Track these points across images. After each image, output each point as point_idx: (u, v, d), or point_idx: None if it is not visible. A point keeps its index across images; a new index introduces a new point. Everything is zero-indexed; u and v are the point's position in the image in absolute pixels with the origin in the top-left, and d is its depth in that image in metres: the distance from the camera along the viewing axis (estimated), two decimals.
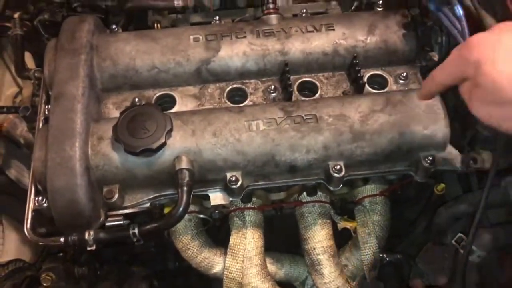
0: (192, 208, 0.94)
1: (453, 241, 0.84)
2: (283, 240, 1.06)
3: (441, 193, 0.86)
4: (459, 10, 0.79)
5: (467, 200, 0.87)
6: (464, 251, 0.79)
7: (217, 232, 1.02)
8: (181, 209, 0.75)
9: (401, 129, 0.80)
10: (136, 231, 0.76)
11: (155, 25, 1.00)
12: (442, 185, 0.86)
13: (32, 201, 0.79)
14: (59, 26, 0.97)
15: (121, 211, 0.78)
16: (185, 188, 0.75)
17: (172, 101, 0.88)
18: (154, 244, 1.05)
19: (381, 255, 0.96)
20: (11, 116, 1.03)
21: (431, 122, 0.80)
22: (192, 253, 0.94)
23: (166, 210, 0.89)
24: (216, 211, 0.98)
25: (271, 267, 1.00)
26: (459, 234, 0.84)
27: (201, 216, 0.96)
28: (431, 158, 0.80)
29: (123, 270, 0.99)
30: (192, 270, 0.99)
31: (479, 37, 0.56)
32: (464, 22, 0.79)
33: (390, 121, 0.80)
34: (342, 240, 0.99)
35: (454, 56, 0.60)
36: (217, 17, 0.95)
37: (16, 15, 1.15)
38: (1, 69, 1.27)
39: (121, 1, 0.99)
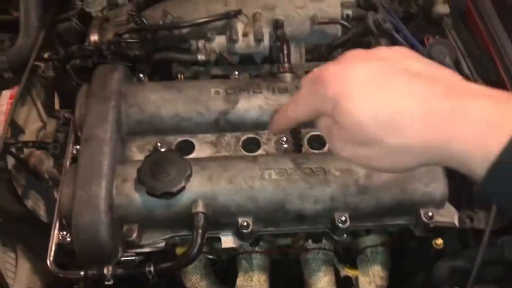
0: None
1: None
2: (287, 284, 1.10)
3: (440, 247, 0.91)
4: None
5: (464, 256, 0.92)
6: None
7: (224, 273, 1.06)
8: (195, 250, 0.80)
9: (402, 185, 0.86)
10: (151, 269, 0.81)
11: (179, 75, 1.08)
12: (441, 240, 0.91)
13: (56, 235, 0.85)
14: (89, 71, 1.05)
15: (138, 250, 0.84)
16: (200, 231, 0.81)
17: (191, 147, 0.95)
18: (165, 282, 1.09)
19: None
20: (38, 152, 1.09)
21: (431, 180, 0.86)
22: None
23: (178, 250, 0.94)
24: (224, 253, 1.03)
25: None
26: None
27: (210, 256, 1.01)
28: (430, 214, 0.86)
29: None
30: None
31: (330, 70, 0.51)
32: None
33: (393, 178, 0.86)
34: (344, 287, 1.03)
35: (308, 91, 0.54)
36: (236, 72, 1.03)
37: (45, 55, 1.24)
38: (28, 106, 1.35)
39: (149, 52, 1.07)
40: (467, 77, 0.89)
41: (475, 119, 0.43)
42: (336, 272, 1.01)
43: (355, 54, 0.52)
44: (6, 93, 1.24)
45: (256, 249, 1.00)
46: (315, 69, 0.54)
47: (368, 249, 1.01)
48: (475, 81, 0.88)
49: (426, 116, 0.45)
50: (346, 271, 1.00)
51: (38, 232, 1.24)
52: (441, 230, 0.89)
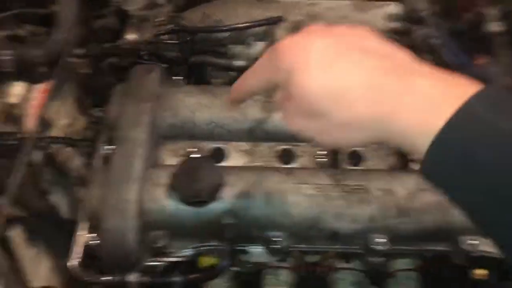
0: None
1: None
2: None
3: (482, 278, 0.86)
4: None
5: None
6: None
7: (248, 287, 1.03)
8: (224, 263, 0.77)
9: (446, 210, 0.82)
10: (177, 279, 0.78)
11: (215, 80, 1.06)
12: (483, 271, 0.86)
13: (80, 237, 0.82)
14: (124, 70, 1.03)
15: (165, 259, 0.81)
16: (230, 243, 0.77)
17: (224, 155, 0.92)
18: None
19: None
20: (68, 149, 1.08)
21: None
22: None
23: (201, 260, 0.91)
24: (250, 266, 1.00)
25: None
26: None
27: (235, 269, 0.98)
28: (473, 242, 0.81)
29: None
30: None
31: (291, 41, 0.51)
32: None
33: (435, 201, 0.82)
34: None
35: (264, 60, 0.54)
36: None
37: (80, 52, 1.23)
38: (58, 101, 1.34)
39: (185, 54, 1.05)
40: None
41: (419, 96, 0.44)
42: None
43: (315, 28, 0.52)
44: (39, 87, 1.23)
45: (283, 264, 0.96)
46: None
47: (400, 273, 0.97)
48: None
49: (371, 90, 0.46)
50: None
51: (59, 230, 1.23)
52: (484, 260, 0.84)
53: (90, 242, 0.81)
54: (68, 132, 1.35)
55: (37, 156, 1.22)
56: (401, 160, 0.91)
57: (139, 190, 0.79)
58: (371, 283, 0.98)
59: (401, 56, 0.49)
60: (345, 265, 0.96)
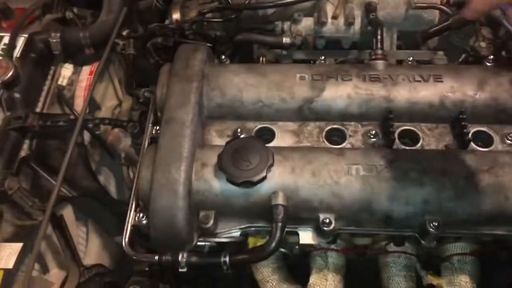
0: None
1: None
2: (360, 286, 1.04)
3: None
4: None
5: None
6: None
7: (294, 269, 1.02)
8: (273, 244, 0.76)
9: (507, 192, 0.77)
10: (227, 259, 0.78)
11: (261, 58, 1.03)
12: None
13: (132, 217, 0.83)
14: (169, 50, 1.02)
15: (214, 239, 0.80)
16: (279, 224, 0.76)
17: (271, 135, 0.90)
18: (232, 272, 1.06)
19: None
20: (116, 130, 1.09)
21: None
22: (271, 286, 0.94)
23: (250, 241, 0.90)
24: (297, 247, 0.98)
25: None
26: None
27: (283, 250, 0.97)
28: None
29: None
30: None
31: None
32: None
33: (496, 183, 0.77)
34: None
35: None
36: (323, 57, 0.97)
37: (124, 33, 1.23)
38: (105, 82, 1.36)
39: (230, 32, 1.03)
40: None
41: None
42: (418, 279, 0.93)
43: None
44: (87, 69, 1.25)
45: (333, 246, 0.94)
46: None
47: (455, 257, 0.93)
48: None
49: None
50: (430, 279, 0.92)
51: (109, 210, 1.26)
52: None
53: (140, 222, 0.81)
54: (115, 113, 1.37)
55: (86, 137, 1.25)
56: (459, 140, 0.86)
57: (187, 170, 0.79)
58: (423, 267, 0.95)
59: None
60: (397, 249, 0.93)
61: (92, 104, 1.31)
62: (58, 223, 1.06)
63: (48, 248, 1.13)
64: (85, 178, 1.23)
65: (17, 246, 0.97)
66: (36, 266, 1.13)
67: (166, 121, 0.84)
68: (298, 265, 1.01)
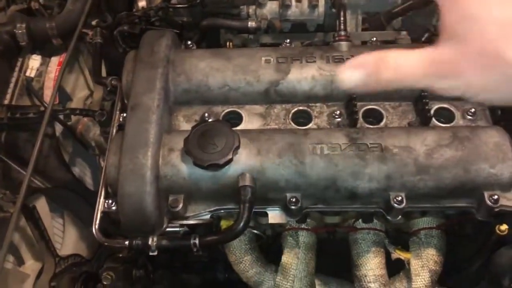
0: None
1: (508, 282, 0.82)
2: (332, 264, 1.06)
3: (504, 233, 0.84)
4: None
5: None
6: None
7: (268, 249, 1.04)
8: (241, 224, 0.77)
9: (466, 165, 0.79)
10: (196, 241, 0.79)
11: (227, 43, 1.04)
12: (505, 226, 0.84)
13: (101, 203, 0.84)
14: (136, 38, 1.02)
15: (184, 222, 0.82)
16: (246, 205, 0.77)
17: (239, 118, 0.91)
18: (206, 254, 1.08)
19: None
20: (85, 119, 1.09)
21: (498, 161, 0.79)
22: (244, 267, 0.96)
23: (223, 223, 0.92)
24: (270, 229, 1.00)
25: None
26: None
27: (255, 231, 0.98)
28: (495, 197, 0.79)
29: (175, 277, 1.02)
30: (240, 283, 1.01)
31: None
32: None
33: (456, 157, 0.80)
34: (393, 270, 0.98)
35: None
36: (288, 40, 0.98)
37: (93, 22, 1.23)
38: (75, 73, 1.35)
39: (196, 18, 1.03)
40: None
41: None
42: (387, 254, 0.96)
43: None
44: (55, 60, 1.24)
45: (303, 226, 0.96)
46: None
47: (422, 231, 0.95)
48: None
49: None
50: (398, 253, 0.95)
51: (84, 200, 1.26)
52: (506, 216, 0.82)
53: (110, 208, 0.82)
54: (87, 104, 1.36)
55: (59, 128, 1.24)
56: (421, 116, 0.89)
57: (155, 155, 0.80)
58: (393, 242, 0.97)
59: None
60: (365, 226, 0.95)
61: (63, 95, 1.30)
62: (31, 214, 1.06)
63: (22, 240, 1.14)
64: (58, 169, 1.23)
65: None
66: (11, 258, 1.13)
67: (132, 108, 0.84)
68: (271, 245, 1.04)
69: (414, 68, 0.48)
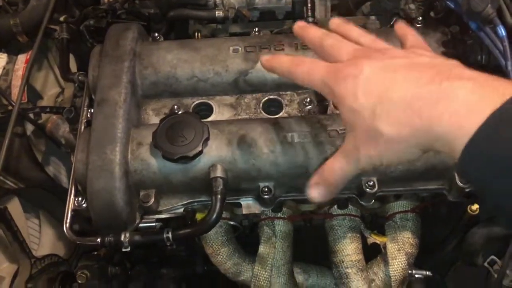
0: (223, 215, 0.95)
1: (485, 263, 0.83)
2: (311, 251, 1.07)
3: (475, 213, 0.85)
4: (502, 31, 0.79)
5: None
6: (498, 275, 0.78)
7: (245, 240, 1.03)
8: (214, 216, 0.76)
9: None
10: (170, 235, 0.78)
11: (196, 34, 1.03)
12: (476, 205, 0.85)
13: (71, 201, 0.82)
14: (103, 31, 1.00)
15: (156, 216, 0.81)
16: (218, 196, 0.77)
17: (209, 109, 0.90)
18: (184, 248, 1.07)
19: (409, 271, 0.95)
20: (54, 117, 1.07)
21: None
22: (221, 258, 0.96)
23: (198, 216, 0.91)
24: (246, 219, 1.00)
25: (298, 277, 1.01)
26: (492, 257, 0.83)
27: (232, 223, 0.98)
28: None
29: (153, 272, 1.01)
30: (219, 275, 1.01)
31: (345, 70, 0.55)
32: (506, 43, 0.78)
33: None
34: (371, 254, 0.99)
35: (319, 79, 0.58)
36: (256, 29, 0.97)
37: (61, 18, 1.20)
38: (45, 70, 1.32)
39: (163, 9, 1.02)
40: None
41: (456, 101, 0.46)
42: (363, 239, 0.97)
43: (367, 53, 0.58)
44: (22, 57, 1.21)
45: (279, 215, 0.96)
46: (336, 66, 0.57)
47: (397, 215, 0.96)
48: None
49: (412, 101, 0.49)
50: (374, 238, 0.96)
51: (60, 199, 1.24)
52: (477, 195, 0.83)
53: (80, 206, 0.81)
54: (58, 101, 1.34)
55: (30, 127, 1.22)
56: None
57: (123, 151, 0.78)
58: (369, 227, 0.98)
59: (446, 64, 0.52)
60: (341, 212, 0.95)
61: (33, 93, 1.27)
62: (3, 216, 1.04)
63: None
64: (31, 169, 1.21)
65: None
66: None
67: (98, 103, 0.82)
68: (248, 237, 1.04)
69: None
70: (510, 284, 0.82)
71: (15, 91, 1.19)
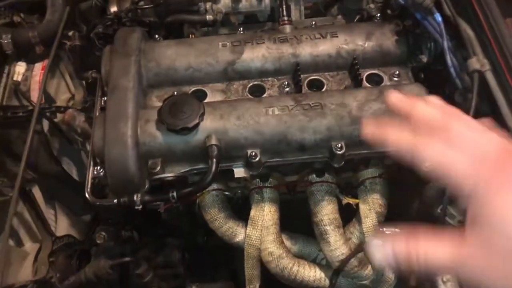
0: (218, 186, 1.12)
1: (438, 210, 1.00)
2: (299, 226, 1.22)
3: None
4: (438, 17, 0.98)
5: None
6: (441, 211, 0.94)
7: (239, 212, 1.19)
8: (211, 176, 0.93)
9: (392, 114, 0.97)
10: (174, 194, 0.94)
11: (190, 36, 1.21)
12: None
13: (91, 170, 0.98)
14: (111, 38, 1.18)
15: (161, 176, 0.96)
16: (214, 160, 0.93)
17: (204, 95, 1.07)
18: (187, 221, 1.22)
19: (380, 228, 1.11)
20: (70, 110, 1.23)
21: None
22: (218, 223, 1.11)
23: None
24: (240, 191, 1.16)
25: (286, 242, 1.16)
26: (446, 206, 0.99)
27: (226, 193, 1.14)
28: None
29: (159, 241, 1.16)
30: (217, 247, 1.16)
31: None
32: (442, 26, 0.97)
33: (382, 108, 0.97)
34: (346, 216, 1.15)
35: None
36: (241, 29, 1.15)
37: (70, 33, 1.38)
38: (57, 78, 1.50)
39: (161, 17, 1.20)
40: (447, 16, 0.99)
41: None
42: (339, 202, 1.13)
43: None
44: (39, 65, 1.38)
45: (267, 184, 1.12)
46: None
47: (367, 180, 1.12)
48: (454, 17, 0.98)
49: None
50: (347, 199, 1.12)
51: (73, 190, 1.40)
52: None
53: (98, 174, 0.97)
54: (70, 105, 1.51)
55: (46, 126, 1.38)
56: (355, 82, 1.06)
57: (133, 126, 0.95)
58: (342, 192, 1.14)
59: None
60: (319, 180, 1.11)
61: (47, 98, 1.44)
62: (28, 198, 1.19)
63: (21, 224, 1.27)
64: (48, 162, 1.37)
65: None
66: (11, 242, 1.26)
67: (111, 89, 0.99)
68: (241, 208, 1.19)
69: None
70: (458, 224, 0.98)
71: (33, 94, 1.36)
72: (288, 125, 0.96)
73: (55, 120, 1.34)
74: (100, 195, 1.00)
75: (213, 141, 0.95)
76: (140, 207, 0.94)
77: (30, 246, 1.25)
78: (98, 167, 0.97)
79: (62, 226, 1.42)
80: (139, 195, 0.94)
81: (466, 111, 0.87)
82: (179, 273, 1.14)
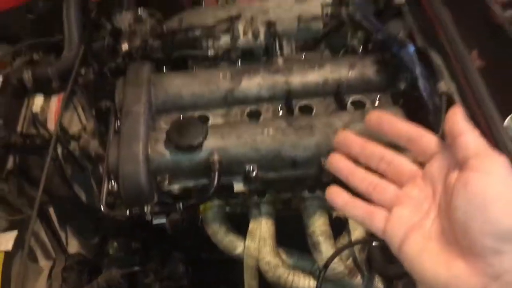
0: (220, 202, 1.23)
1: None
2: (294, 243, 1.32)
3: None
4: (411, 48, 1.12)
5: None
6: None
7: (238, 228, 1.30)
8: (213, 188, 1.04)
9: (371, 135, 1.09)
10: (180, 205, 1.06)
11: (194, 69, 1.35)
12: None
13: (106, 186, 1.10)
14: (122, 72, 1.32)
15: (169, 188, 1.08)
16: (216, 173, 1.05)
17: (206, 119, 1.20)
18: (191, 237, 1.33)
19: (368, 238, 1.21)
20: (85, 136, 1.36)
21: None
22: (220, 236, 1.21)
23: (202, 206, 1.18)
24: (239, 207, 1.27)
25: (282, 256, 1.26)
26: None
27: (227, 209, 1.25)
28: None
29: (165, 254, 1.26)
30: (218, 262, 1.26)
31: None
32: (415, 56, 1.11)
33: (363, 128, 1.09)
34: (337, 230, 1.25)
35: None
36: (239, 62, 1.30)
37: (82, 70, 1.53)
38: (71, 111, 1.63)
39: (168, 54, 1.35)
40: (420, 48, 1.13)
41: None
42: (330, 216, 1.24)
43: None
44: (54, 98, 1.52)
45: (263, 200, 1.23)
46: None
47: None
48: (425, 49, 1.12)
49: None
50: (337, 213, 1.23)
51: (83, 214, 1.50)
52: None
53: (113, 188, 1.08)
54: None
55: (59, 152, 1.51)
56: (341, 106, 1.20)
57: (145, 146, 1.07)
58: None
59: None
60: (311, 195, 1.23)
61: (62, 128, 1.57)
62: (46, 216, 1.30)
63: (37, 243, 1.36)
64: (61, 186, 1.48)
65: (13, 233, 1.21)
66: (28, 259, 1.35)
67: (125, 115, 1.12)
68: (240, 220, 1.30)
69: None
70: None
71: (50, 124, 1.49)
72: (282, 143, 1.09)
73: (69, 147, 1.47)
74: (112, 209, 1.11)
75: (215, 158, 1.07)
76: (150, 217, 1.05)
77: (44, 264, 1.34)
78: (112, 182, 1.09)
79: (72, 247, 1.51)
80: (149, 207, 1.05)
81: (437, 130, 1.00)
82: (183, 285, 1.23)
